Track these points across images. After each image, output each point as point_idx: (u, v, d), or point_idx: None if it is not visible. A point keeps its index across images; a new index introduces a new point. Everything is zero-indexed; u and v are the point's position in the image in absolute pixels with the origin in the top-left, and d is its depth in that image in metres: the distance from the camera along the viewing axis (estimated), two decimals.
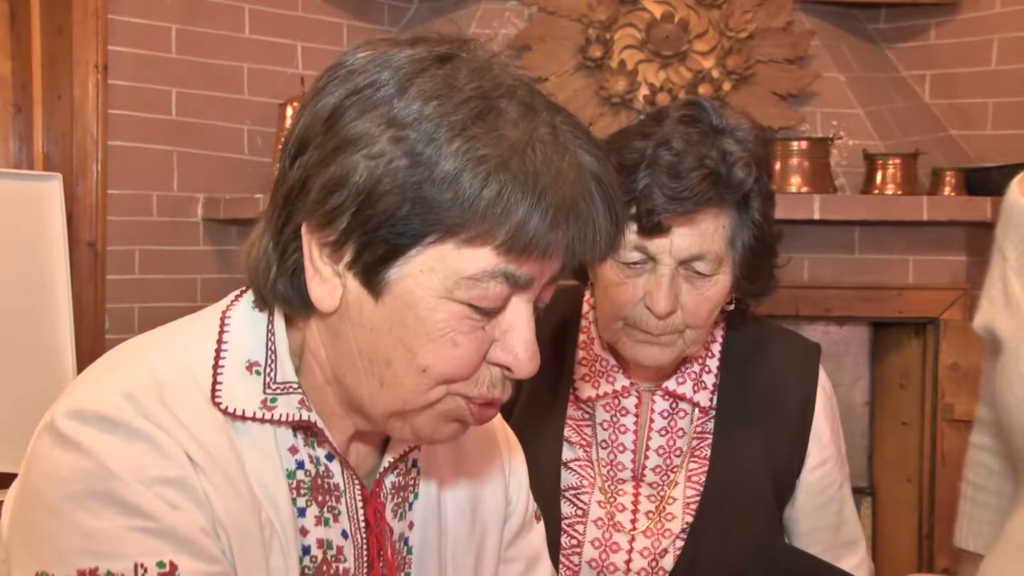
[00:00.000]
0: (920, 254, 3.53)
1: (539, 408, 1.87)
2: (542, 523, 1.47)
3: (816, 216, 3.33)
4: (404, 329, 1.06)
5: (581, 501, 1.84)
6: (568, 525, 1.83)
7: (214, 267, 3.50)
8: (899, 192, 3.45)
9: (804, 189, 3.42)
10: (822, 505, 1.90)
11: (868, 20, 3.86)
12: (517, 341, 1.09)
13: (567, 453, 1.86)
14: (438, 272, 1.04)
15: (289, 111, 3.47)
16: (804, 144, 3.46)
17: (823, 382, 1.90)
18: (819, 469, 1.88)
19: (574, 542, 1.83)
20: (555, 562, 1.81)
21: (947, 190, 3.47)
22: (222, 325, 1.16)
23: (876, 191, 3.47)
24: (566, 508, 1.84)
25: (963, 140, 3.72)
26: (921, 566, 3.56)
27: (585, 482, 1.85)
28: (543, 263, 1.06)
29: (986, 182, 3.40)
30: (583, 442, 1.86)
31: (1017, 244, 1.77)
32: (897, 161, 3.47)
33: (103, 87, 3.27)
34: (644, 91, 3.65)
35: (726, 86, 3.65)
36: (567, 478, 1.85)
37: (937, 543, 3.52)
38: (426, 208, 1.01)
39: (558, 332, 1.91)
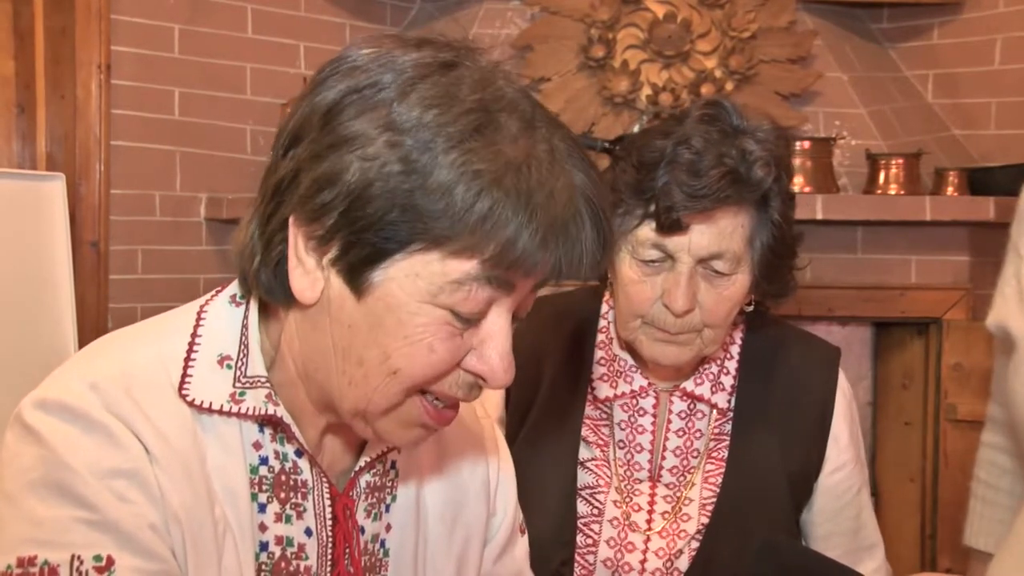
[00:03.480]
0: (923, 254, 3.53)
1: (557, 407, 1.88)
2: (526, 537, 1.46)
3: (819, 216, 3.32)
4: (383, 330, 1.06)
5: (597, 500, 1.84)
6: (584, 524, 1.83)
7: (217, 267, 3.50)
8: (902, 192, 3.45)
9: (807, 189, 3.41)
10: (840, 509, 1.90)
11: (871, 20, 3.86)
12: (493, 351, 1.09)
13: (584, 452, 1.86)
14: (423, 277, 1.04)
15: None
16: (807, 144, 3.46)
17: (843, 386, 1.90)
18: (837, 473, 1.88)
19: (589, 541, 1.82)
20: (570, 561, 1.82)
21: (950, 190, 3.47)
22: (198, 319, 1.17)
23: (879, 191, 3.47)
24: (582, 507, 1.84)
25: (966, 140, 3.72)
26: (924, 566, 3.56)
27: (601, 481, 1.84)
28: (528, 278, 1.07)
29: (989, 182, 3.41)
30: (600, 442, 1.86)
31: None
32: (900, 161, 3.47)
33: (106, 87, 3.26)
34: (647, 91, 3.65)
35: (729, 86, 3.65)
36: (583, 477, 1.85)
37: (940, 543, 3.52)
38: (415, 216, 1.01)
39: (577, 332, 1.91)
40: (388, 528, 1.25)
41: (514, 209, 1.01)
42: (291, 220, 1.07)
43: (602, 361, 1.89)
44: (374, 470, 1.24)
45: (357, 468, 1.22)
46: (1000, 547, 1.81)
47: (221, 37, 3.51)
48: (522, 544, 1.45)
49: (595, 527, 1.83)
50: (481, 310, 1.07)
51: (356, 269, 1.05)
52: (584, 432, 1.86)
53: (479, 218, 1.00)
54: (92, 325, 3.23)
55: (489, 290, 1.05)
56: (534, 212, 1.01)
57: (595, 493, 1.84)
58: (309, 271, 1.08)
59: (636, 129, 3.55)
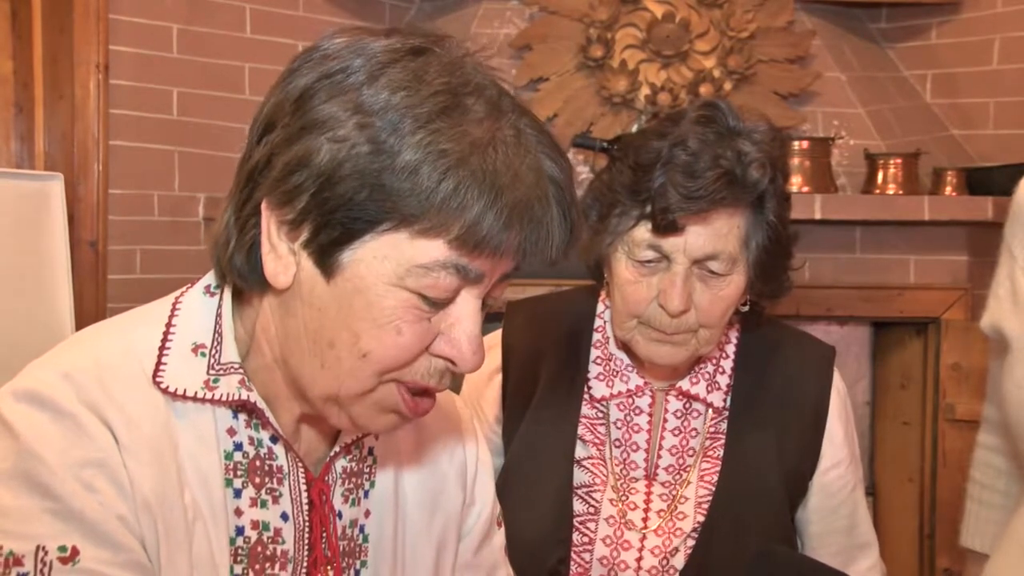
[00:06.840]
0: (921, 254, 3.53)
1: (554, 406, 1.88)
2: (503, 529, 1.47)
3: (817, 216, 3.33)
4: (352, 312, 1.07)
5: (593, 499, 1.84)
6: (580, 522, 1.84)
7: None
8: (900, 192, 3.46)
9: (805, 189, 3.42)
10: (835, 507, 1.91)
11: (869, 20, 3.87)
12: (462, 335, 1.10)
13: (580, 451, 1.86)
14: (391, 259, 1.05)
15: None
16: (805, 144, 3.46)
17: (837, 384, 1.91)
18: (832, 471, 1.89)
19: (586, 539, 1.83)
20: (566, 559, 1.82)
21: (948, 190, 3.48)
22: (173, 309, 1.18)
23: (877, 191, 3.48)
24: (578, 505, 1.84)
25: (964, 140, 3.72)
26: (922, 566, 3.57)
27: (597, 480, 1.85)
28: (495, 260, 1.07)
29: (987, 182, 3.41)
30: (596, 440, 1.87)
31: None
32: (898, 161, 3.48)
33: (104, 87, 3.26)
34: (645, 91, 3.65)
35: (727, 86, 3.65)
36: (580, 476, 1.85)
37: (938, 543, 3.52)
38: (384, 196, 1.03)
39: (573, 331, 1.92)
40: (367, 514, 1.27)
41: (479, 189, 1.02)
42: (264, 204, 1.08)
43: (598, 360, 1.89)
44: (350, 455, 1.25)
45: (332, 453, 1.23)
46: (995, 548, 1.81)
47: (220, 37, 3.51)
48: (499, 536, 1.46)
49: (591, 525, 1.83)
50: (449, 296, 1.08)
51: (326, 250, 1.06)
52: (580, 431, 1.87)
53: (445, 197, 1.02)
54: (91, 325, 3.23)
55: (456, 279, 1.07)
56: (499, 192, 1.03)
57: (591, 491, 1.85)
58: (282, 256, 1.09)
59: (635, 129, 3.55)
